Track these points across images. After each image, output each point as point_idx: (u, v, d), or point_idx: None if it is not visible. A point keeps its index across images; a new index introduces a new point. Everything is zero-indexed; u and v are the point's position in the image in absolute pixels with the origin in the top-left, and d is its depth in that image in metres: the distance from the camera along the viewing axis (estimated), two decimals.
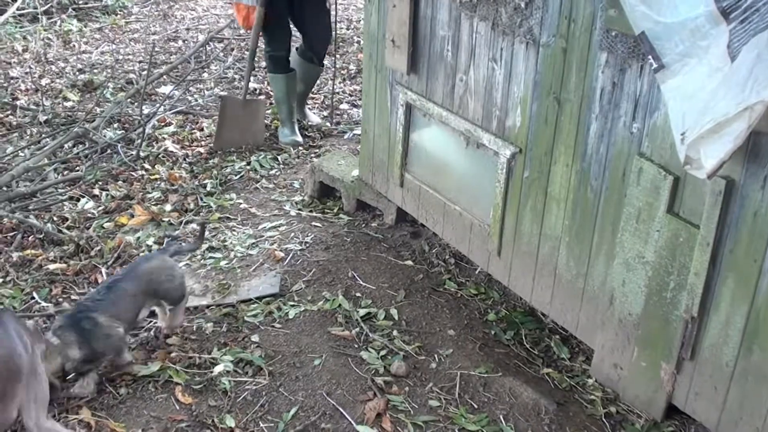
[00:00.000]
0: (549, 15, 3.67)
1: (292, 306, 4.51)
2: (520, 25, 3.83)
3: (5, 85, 8.51)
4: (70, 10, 11.13)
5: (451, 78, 4.40)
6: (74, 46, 9.92)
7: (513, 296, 4.63)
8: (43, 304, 4.62)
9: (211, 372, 4.00)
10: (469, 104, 4.32)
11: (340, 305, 4.49)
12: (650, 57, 3.13)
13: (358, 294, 4.63)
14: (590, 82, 3.59)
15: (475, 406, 3.84)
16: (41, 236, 5.40)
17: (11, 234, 5.47)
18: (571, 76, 3.67)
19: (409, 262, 4.93)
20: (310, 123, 7.16)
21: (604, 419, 3.81)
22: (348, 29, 10.46)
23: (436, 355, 4.16)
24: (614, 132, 3.56)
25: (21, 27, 10.41)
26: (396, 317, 4.45)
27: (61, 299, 4.66)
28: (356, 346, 4.22)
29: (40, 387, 3.38)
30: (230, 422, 3.68)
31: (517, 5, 3.81)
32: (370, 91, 5.14)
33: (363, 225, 5.35)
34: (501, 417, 3.76)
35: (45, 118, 7.53)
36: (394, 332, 4.32)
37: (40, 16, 10.70)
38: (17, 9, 10.27)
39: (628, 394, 3.89)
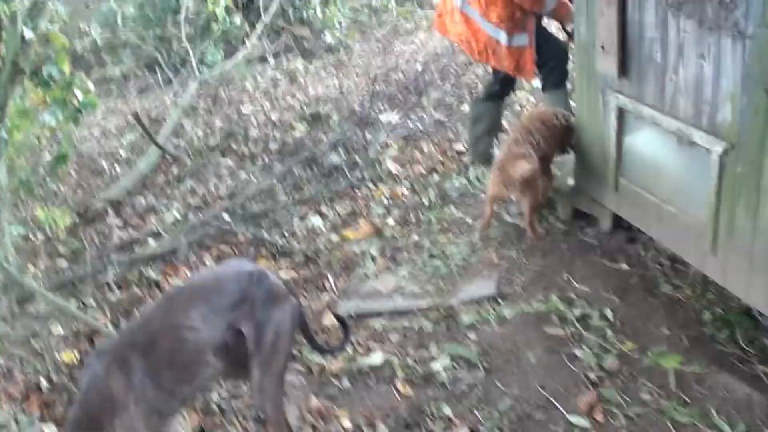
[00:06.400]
0: (753, 6, 3.65)
1: (508, 307, 4.65)
2: (726, 18, 3.83)
3: (238, 120, 9.09)
4: (295, 50, 11.74)
5: (660, 78, 4.43)
6: (300, 82, 10.45)
7: (729, 296, 4.57)
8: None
9: (430, 366, 4.19)
10: (679, 103, 4.33)
11: (555, 306, 4.58)
12: None
13: (573, 296, 4.70)
14: None
15: (687, 401, 3.86)
16: (273, 249, 5.79)
17: (245, 248, 5.89)
18: None
19: (624, 266, 4.96)
20: None
21: None
22: None
23: (649, 352, 4.18)
24: None
25: (251, 68, 11.06)
26: (610, 318, 4.50)
27: None
28: (570, 344, 4.31)
29: None
30: (447, 411, 3.88)
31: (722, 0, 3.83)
32: (582, 99, 5.21)
33: (579, 232, 5.40)
34: (713, 410, 3.77)
35: (276, 147, 8.02)
36: (608, 332, 4.38)
37: (268, 58, 11.34)
38: (247, 52, 10.94)
39: None
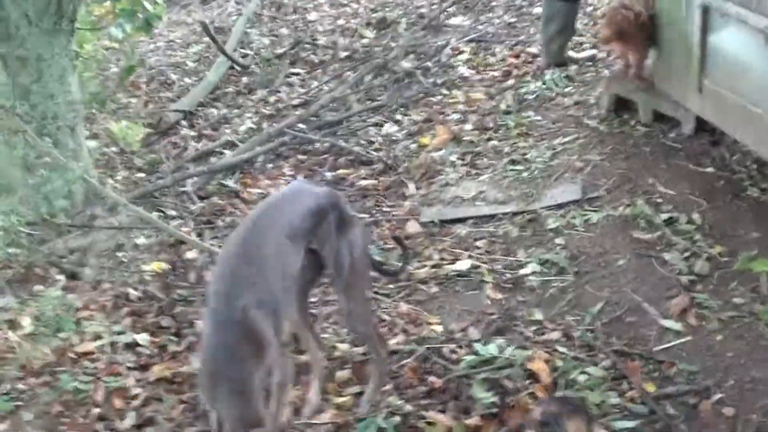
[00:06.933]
0: None
1: (594, 211, 4.64)
2: None
3: (304, 28, 9.06)
4: None
5: None
6: None
7: None
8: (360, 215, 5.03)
9: (518, 272, 4.23)
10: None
11: (641, 210, 4.54)
12: None
13: (659, 200, 4.66)
14: None
15: None
16: (351, 157, 5.84)
17: (323, 156, 5.93)
18: None
19: (710, 169, 4.89)
20: None
21: None
22: None
23: (739, 256, 4.14)
24: None
25: None
26: (698, 221, 4.45)
27: (374, 210, 5.03)
28: (658, 248, 4.29)
29: None
30: (538, 315, 3.92)
31: None
32: None
33: (661, 135, 5.31)
34: None
35: (345, 54, 7.99)
36: (697, 235, 4.33)
37: None
38: None
39: None
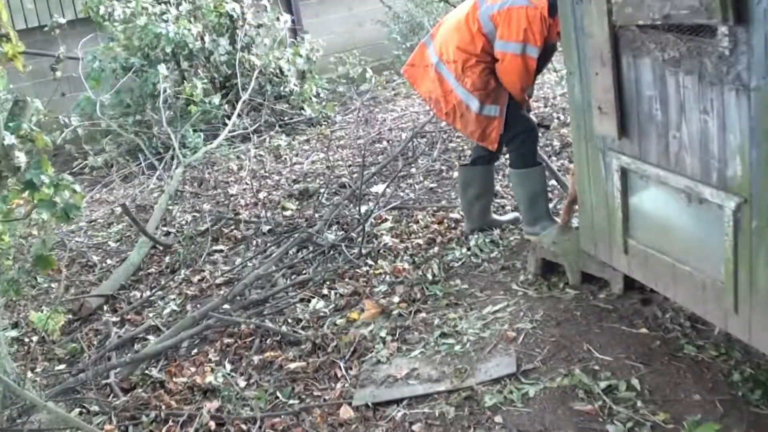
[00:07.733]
0: (755, 58, 3.56)
1: (531, 384, 4.51)
2: (727, 72, 3.75)
3: (226, 202, 8.98)
4: (277, 127, 11.70)
5: (663, 136, 4.33)
6: (285, 159, 10.41)
7: (756, 354, 4.45)
8: (289, 401, 4.85)
9: None
10: (685, 160, 4.23)
11: (579, 380, 4.44)
12: None
13: (596, 367, 4.56)
14: None
15: None
16: (278, 338, 5.67)
17: (249, 339, 5.75)
18: None
19: (644, 330, 4.84)
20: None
21: None
22: (546, 107, 10.46)
23: (684, 423, 4.03)
24: None
25: (234, 147, 10.99)
26: (638, 387, 4.35)
27: (304, 396, 4.85)
28: (601, 420, 4.15)
29: None
30: None
31: (722, 53, 3.74)
32: (581, 161, 5.11)
33: (591, 297, 5.29)
34: None
35: (268, 228, 7.90)
36: (638, 403, 4.23)
37: (250, 136, 11.27)
38: (229, 132, 10.86)
39: None
